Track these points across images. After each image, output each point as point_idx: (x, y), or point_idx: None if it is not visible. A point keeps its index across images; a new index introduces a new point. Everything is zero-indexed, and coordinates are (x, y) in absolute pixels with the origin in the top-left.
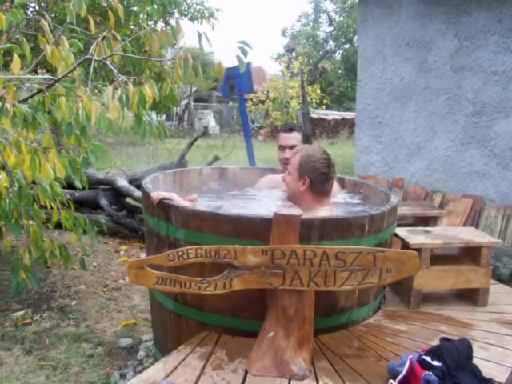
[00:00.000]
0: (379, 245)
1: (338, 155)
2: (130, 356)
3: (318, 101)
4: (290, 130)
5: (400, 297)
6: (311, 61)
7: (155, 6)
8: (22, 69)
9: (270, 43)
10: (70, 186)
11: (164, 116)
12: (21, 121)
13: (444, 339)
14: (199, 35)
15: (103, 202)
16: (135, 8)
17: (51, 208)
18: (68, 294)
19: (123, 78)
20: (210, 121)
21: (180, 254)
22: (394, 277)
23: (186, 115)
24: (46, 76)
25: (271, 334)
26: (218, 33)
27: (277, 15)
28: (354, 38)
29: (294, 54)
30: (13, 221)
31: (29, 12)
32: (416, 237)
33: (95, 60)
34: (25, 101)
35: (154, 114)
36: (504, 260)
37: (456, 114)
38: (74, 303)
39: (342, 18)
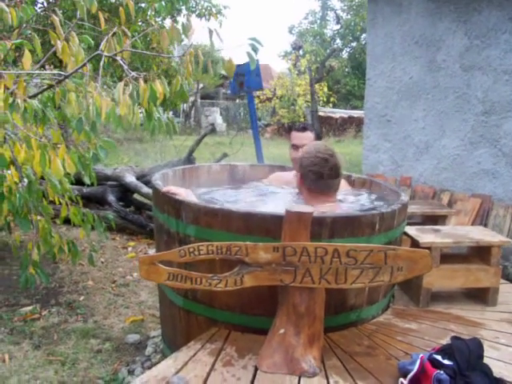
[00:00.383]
0: (389, 243)
1: (344, 153)
2: (138, 352)
3: (325, 99)
4: (304, 129)
5: (409, 295)
6: (318, 59)
7: (163, 3)
8: (31, 65)
9: (277, 41)
10: (77, 181)
11: (171, 113)
12: (31, 116)
13: (455, 338)
14: (210, 32)
15: (111, 198)
16: (143, 4)
17: (59, 204)
18: (76, 290)
19: (134, 74)
20: (217, 118)
21: (191, 250)
22: (405, 275)
23: (192, 112)
24: (57, 72)
25: (282, 331)
26: (225, 30)
27: (284, 13)
28: (362, 37)
29: (301, 51)
30: (22, 216)
31: (37, 8)
32: (426, 235)
33: (105, 56)
34: (35, 96)
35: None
36: None
37: (465, 112)
38: (81, 299)
39: (349, 16)
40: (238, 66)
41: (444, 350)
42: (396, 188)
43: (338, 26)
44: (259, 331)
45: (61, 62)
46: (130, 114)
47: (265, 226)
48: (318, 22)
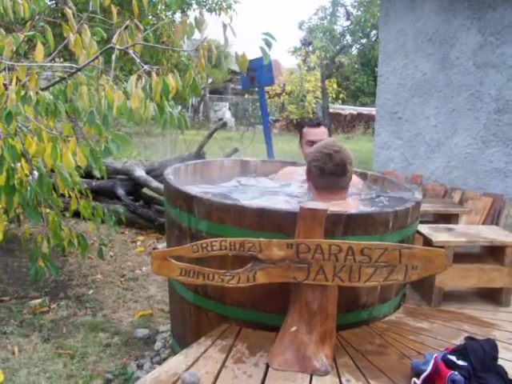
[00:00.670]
0: (402, 241)
1: (353, 150)
2: (147, 346)
3: (334, 95)
4: (318, 124)
5: (420, 294)
6: (328, 55)
7: None
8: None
9: (287, 36)
10: (86, 175)
11: (180, 107)
12: (43, 109)
13: (469, 338)
14: (224, 26)
15: (120, 191)
16: None
17: (69, 197)
18: (85, 283)
19: (146, 67)
20: (226, 113)
21: (204, 245)
22: (420, 274)
23: (201, 107)
24: (69, 64)
25: (294, 328)
26: (235, 25)
27: (294, 8)
28: (372, 33)
29: (310, 47)
30: (32, 209)
31: (48, 1)
32: (439, 234)
33: (118, 49)
34: (46, 89)
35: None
36: None
37: (478, 111)
38: (90, 292)
39: (359, 13)
40: (250, 61)
41: (458, 351)
42: (410, 186)
43: (348, 23)
44: (270, 328)
45: (71, 55)
46: (141, 108)
47: (278, 223)
48: (328, 18)
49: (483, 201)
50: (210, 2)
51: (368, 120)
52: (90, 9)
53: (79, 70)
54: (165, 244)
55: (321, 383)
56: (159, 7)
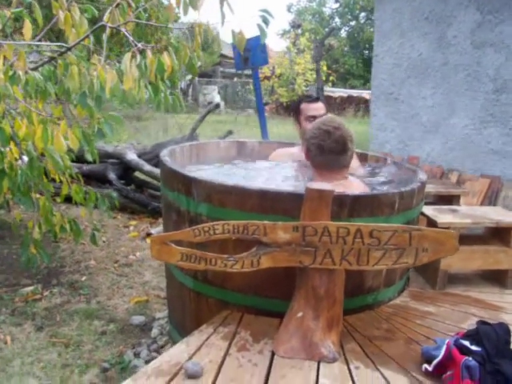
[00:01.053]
0: (407, 223)
1: None
2: (144, 334)
3: (324, 78)
4: (317, 99)
5: (425, 277)
6: (318, 37)
7: None
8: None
9: (275, 19)
10: (77, 159)
11: (168, 91)
12: (33, 89)
13: (481, 323)
14: (221, 2)
15: (112, 176)
16: None
17: (60, 181)
18: (78, 270)
19: (140, 45)
20: (215, 96)
21: (206, 229)
22: (430, 257)
23: (190, 90)
24: (58, 43)
25: (300, 314)
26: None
27: None
28: (361, 15)
29: (300, 30)
30: (23, 194)
31: None
32: (443, 216)
33: (110, 27)
34: (35, 69)
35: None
36: None
37: (475, 91)
38: (84, 279)
39: None
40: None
41: (471, 336)
42: (413, 166)
43: (337, 5)
44: (274, 314)
45: (57, 37)
46: (135, 89)
47: (281, 205)
48: (317, 0)
49: (481, 182)
50: None
51: (358, 102)
52: None
53: (69, 49)
54: (159, 229)
55: (329, 371)
56: None
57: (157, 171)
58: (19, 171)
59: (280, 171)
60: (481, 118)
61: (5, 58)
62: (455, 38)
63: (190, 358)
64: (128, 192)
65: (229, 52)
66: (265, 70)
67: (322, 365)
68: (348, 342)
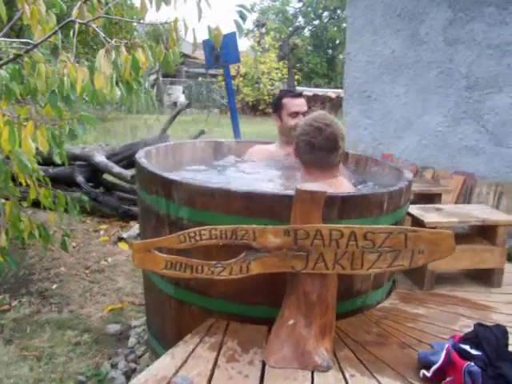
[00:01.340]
0: (396, 223)
1: None
2: (120, 343)
3: (289, 77)
4: (300, 95)
5: (412, 278)
6: (282, 36)
7: None
8: None
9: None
10: (42, 161)
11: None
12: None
13: (479, 325)
14: None
15: (79, 178)
16: None
17: (26, 185)
18: (47, 277)
19: (113, 42)
20: (180, 96)
21: (192, 235)
22: (426, 259)
23: (154, 90)
24: (24, 40)
25: (291, 321)
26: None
27: None
28: (324, 15)
29: (264, 29)
30: None
31: None
32: (429, 214)
33: (79, 23)
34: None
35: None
36: None
37: (448, 88)
38: (54, 287)
39: None
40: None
41: (470, 339)
42: (396, 165)
43: (300, 4)
44: (260, 321)
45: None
46: (106, 87)
47: (268, 207)
48: None
49: (455, 179)
50: None
51: (324, 101)
52: None
53: (36, 46)
54: (130, 232)
55: (323, 380)
56: None
57: (127, 173)
58: None
59: (260, 172)
60: (454, 115)
61: None
62: (427, 35)
63: (177, 371)
64: (97, 195)
65: (191, 51)
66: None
67: (316, 374)
68: (340, 349)
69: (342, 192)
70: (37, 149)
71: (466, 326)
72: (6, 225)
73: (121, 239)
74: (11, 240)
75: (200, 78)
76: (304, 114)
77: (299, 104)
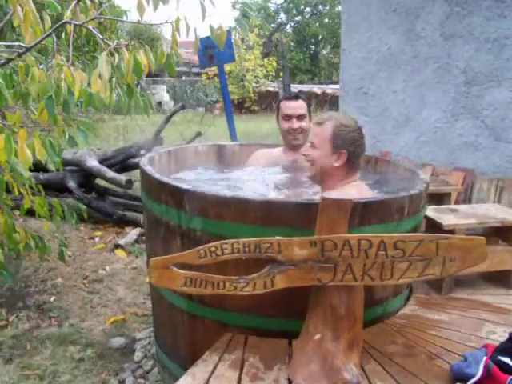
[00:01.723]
0: (416, 227)
1: None
2: (126, 358)
3: (273, 74)
4: (296, 97)
5: (429, 282)
6: (266, 33)
7: None
8: None
9: (221, 16)
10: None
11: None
12: None
13: None
14: None
15: (71, 184)
16: None
17: (19, 193)
18: (45, 289)
19: (113, 45)
20: (164, 96)
21: (213, 249)
22: (458, 267)
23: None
24: (17, 43)
25: (317, 336)
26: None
27: None
28: (306, 10)
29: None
30: None
31: None
32: (446, 216)
33: (75, 25)
34: None
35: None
36: None
37: (446, 83)
38: (52, 299)
39: None
40: (207, 37)
41: (506, 350)
42: (410, 166)
43: (282, 0)
44: (280, 334)
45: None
46: (105, 91)
47: (287, 216)
48: None
49: (455, 176)
50: None
51: (309, 97)
52: None
53: (29, 49)
54: (127, 239)
55: None
56: None
57: (121, 178)
58: None
59: (265, 177)
60: (452, 110)
61: None
62: (424, 30)
63: None
64: (90, 201)
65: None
66: (214, 68)
67: None
68: (367, 362)
69: (362, 197)
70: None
71: (491, 332)
72: (1, 237)
73: (117, 246)
74: (8, 251)
75: (184, 77)
76: (299, 117)
77: (293, 107)
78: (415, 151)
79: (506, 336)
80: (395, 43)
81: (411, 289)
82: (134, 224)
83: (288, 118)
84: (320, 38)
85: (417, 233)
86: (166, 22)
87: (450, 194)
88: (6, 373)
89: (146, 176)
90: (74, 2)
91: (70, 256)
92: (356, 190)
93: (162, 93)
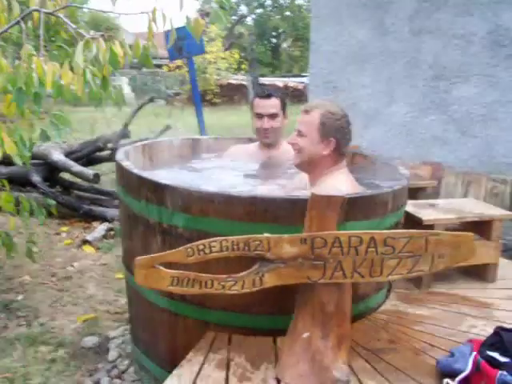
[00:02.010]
0: (398, 223)
1: None
2: (99, 357)
3: (236, 66)
4: (268, 96)
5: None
6: (229, 25)
7: None
8: None
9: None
10: None
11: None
12: None
13: (501, 329)
14: None
15: (35, 178)
16: None
17: None
18: (11, 288)
19: (88, 35)
20: (125, 88)
21: (201, 247)
22: (446, 263)
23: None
24: None
25: (306, 334)
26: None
27: None
28: (266, 3)
29: (208, 18)
30: None
31: None
32: (425, 211)
33: (45, 13)
34: None
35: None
36: None
37: (415, 78)
38: (20, 298)
39: None
40: (177, 29)
41: (494, 345)
42: (388, 161)
43: None
44: (264, 332)
45: None
46: (78, 83)
47: (273, 212)
48: None
49: (423, 170)
50: None
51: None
52: None
53: None
54: (95, 234)
55: None
56: None
57: (89, 172)
58: None
59: (238, 171)
60: (421, 105)
61: None
62: (393, 24)
63: None
64: (56, 195)
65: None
66: (193, 61)
67: None
68: (354, 359)
69: (349, 193)
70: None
71: (472, 326)
72: None
73: (85, 242)
74: None
75: (144, 69)
76: (271, 116)
77: (264, 105)
78: (384, 145)
79: (490, 330)
80: (364, 37)
81: (390, 284)
82: (102, 219)
83: (260, 116)
84: (281, 30)
85: (398, 229)
86: (142, 13)
87: (424, 188)
88: None
89: (123, 171)
90: None
91: (36, 253)
92: (347, 178)
93: (122, 85)
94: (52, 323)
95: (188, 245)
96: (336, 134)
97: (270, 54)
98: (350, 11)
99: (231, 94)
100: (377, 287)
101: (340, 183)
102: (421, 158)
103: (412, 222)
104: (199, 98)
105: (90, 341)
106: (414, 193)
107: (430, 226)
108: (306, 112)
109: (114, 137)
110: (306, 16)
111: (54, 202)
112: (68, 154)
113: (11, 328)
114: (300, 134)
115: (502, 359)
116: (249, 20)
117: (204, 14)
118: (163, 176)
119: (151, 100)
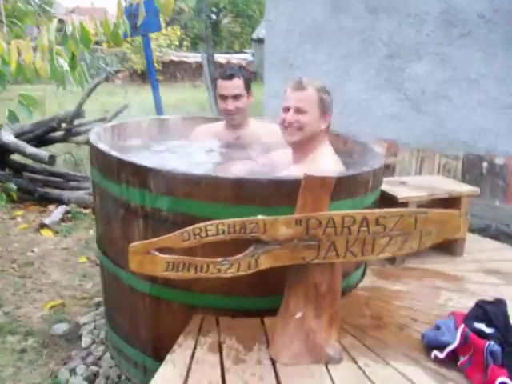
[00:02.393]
0: (376, 201)
1: (205, 98)
2: (72, 344)
3: (177, 43)
4: (231, 76)
5: None
6: None
7: None
8: None
9: None
10: None
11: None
12: None
13: (484, 302)
14: None
15: None
16: None
17: None
18: None
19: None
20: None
21: (197, 231)
22: (433, 240)
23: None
24: None
25: (299, 314)
26: None
27: None
28: None
29: None
30: None
31: None
32: (398, 189)
33: None
34: None
35: None
36: None
37: (370, 56)
38: None
39: None
40: (131, 6)
41: (479, 317)
42: (362, 140)
43: None
44: (251, 313)
45: None
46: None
47: (260, 194)
48: None
49: (379, 147)
50: None
51: (215, 68)
52: None
53: None
54: (53, 217)
55: (342, 374)
56: None
57: (44, 154)
58: None
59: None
60: (376, 83)
61: None
62: (349, 2)
63: (185, 381)
64: (7, 178)
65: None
66: (150, 39)
67: (331, 368)
68: (344, 337)
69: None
70: None
71: (448, 299)
72: None
73: (43, 226)
74: None
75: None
76: (235, 97)
77: (227, 87)
78: (341, 122)
79: (465, 302)
80: (320, 15)
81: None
82: (58, 202)
83: (224, 97)
84: (221, 6)
85: (376, 207)
86: None
87: (388, 165)
88: None
89: (99, 153)
90: None
91: None
92: (333, 154)
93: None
94: (18, 311)
95: (183, 229)
96: (330, 109)
97: (210, 30)
98: None
99: (174, 71)
100: (357, 265)
101: (329, 162)
102: (377, 135)
103: (387, 200)
104: (155, 77)
105: (60, 328)
106: None
107: (405, 204)
108: (301, 89)
109: (68, 116)
110: None
111: (14, 187)
112: (19, 136)
113: None
114: (300, 110)
115: (488, 330)
116: None
117: None
118: (142, 158)
119: (107, 79)
